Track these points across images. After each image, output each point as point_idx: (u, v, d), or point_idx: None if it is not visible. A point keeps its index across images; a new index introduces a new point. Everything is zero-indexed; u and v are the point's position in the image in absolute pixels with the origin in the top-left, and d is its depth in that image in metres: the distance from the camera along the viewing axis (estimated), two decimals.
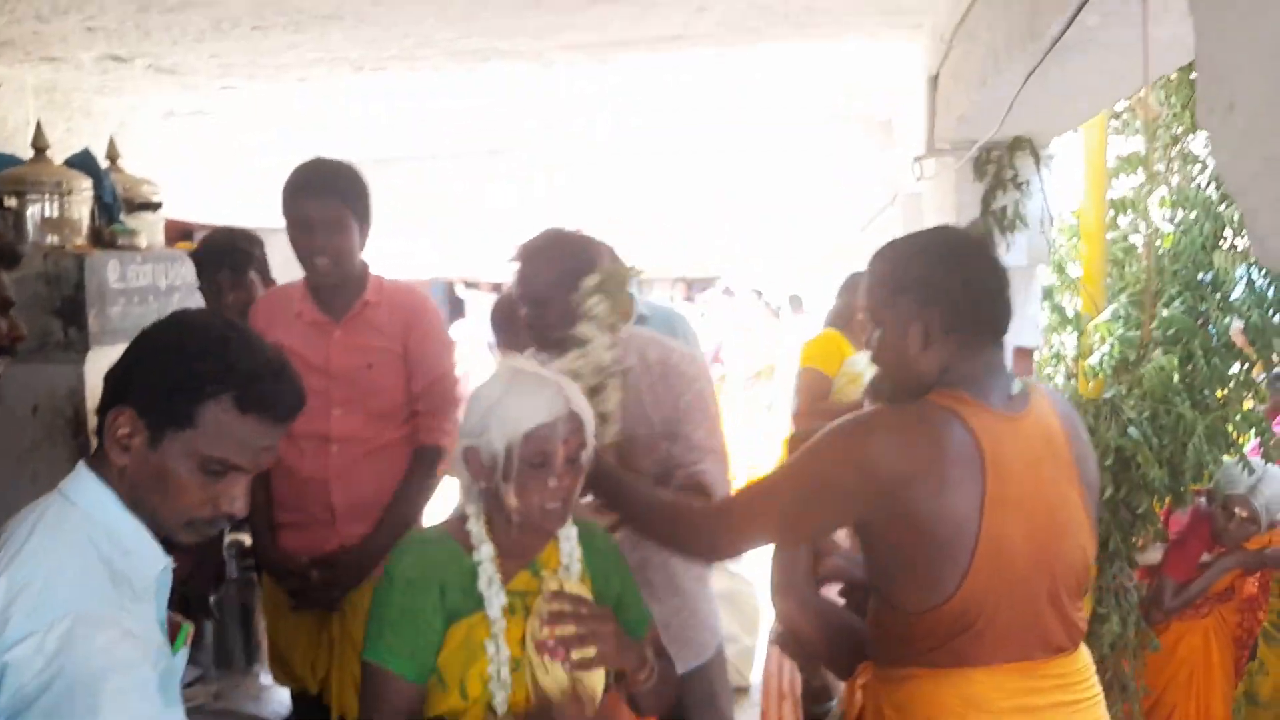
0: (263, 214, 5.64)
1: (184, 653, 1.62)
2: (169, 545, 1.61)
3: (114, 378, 1.53)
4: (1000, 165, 3.31)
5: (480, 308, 13.55)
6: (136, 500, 1.50)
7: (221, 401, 1.47)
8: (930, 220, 4.08)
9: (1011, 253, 3.43)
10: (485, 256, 12.42)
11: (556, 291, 2.39)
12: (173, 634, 1.62)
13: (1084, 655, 1.94)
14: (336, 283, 2.93)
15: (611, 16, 3.46)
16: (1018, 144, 3.23)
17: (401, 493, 3.04)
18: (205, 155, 5.14)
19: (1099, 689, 1.94)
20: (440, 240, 11.39)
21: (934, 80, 3.42)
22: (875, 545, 1.86)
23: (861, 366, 4.22)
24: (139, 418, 1.47)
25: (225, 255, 3.58)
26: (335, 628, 3.02)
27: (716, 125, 5.84)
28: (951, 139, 3.36)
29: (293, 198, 2.84)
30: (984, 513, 1.77)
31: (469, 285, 13.66)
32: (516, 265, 2.49)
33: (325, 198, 2.81)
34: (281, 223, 2.91)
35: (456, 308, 12.81)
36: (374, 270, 3.04)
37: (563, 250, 2.46)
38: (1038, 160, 3.32)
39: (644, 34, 3.71)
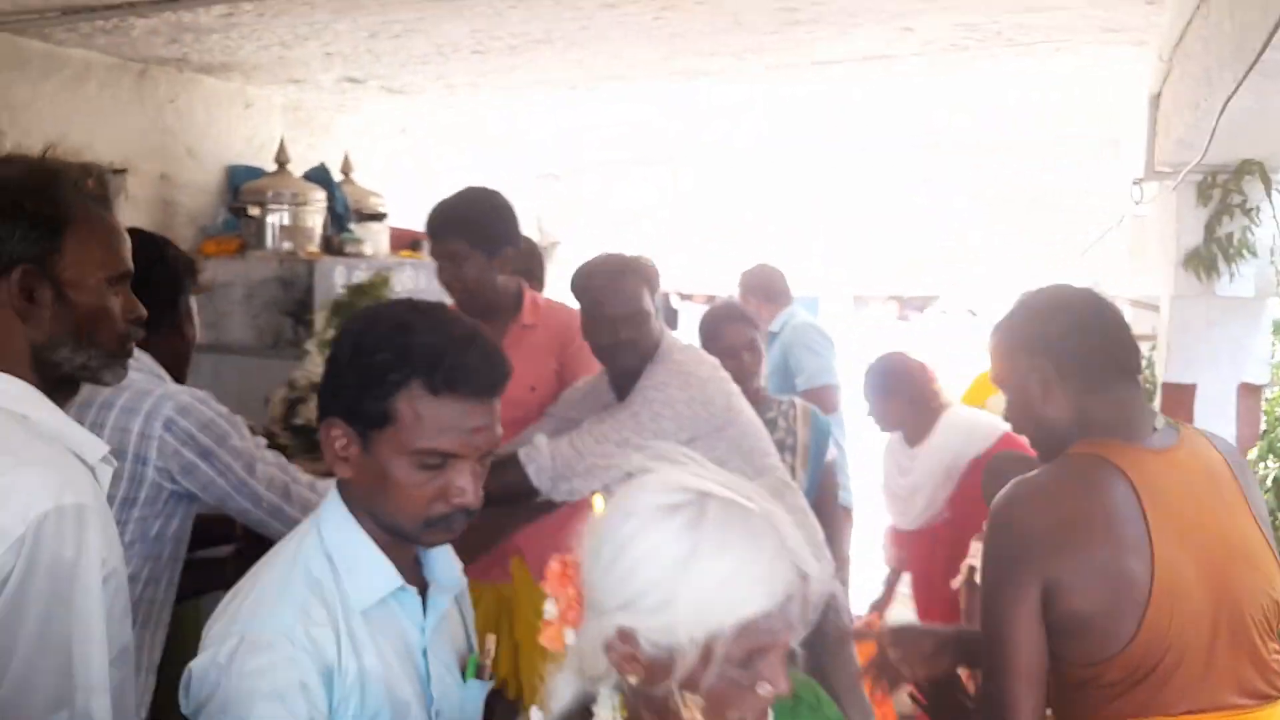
0: None
1: (477, 684, 1.58)
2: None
3: (320, 391, 1.51)
4: (1226, 190, 3.10)
5: (695, 319, 13.79)
6: (372, 511, 1.48)
7: (411, 389, 1.41)
8: (1154, 246, 3.86)
9: (1235, 283, 3.21)
10: (700, 268, 12.57)
11: (636, 307, 2.58)
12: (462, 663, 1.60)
13: None
14: (479, 309, 2.94)
15: (812, 37, 3.46)
16: (1246, 167, 3.02)
17: None
18: (429, 169, 5.45)
19: None
20: (656, 250, 11.57)
21: (1155, 99, 3.24)
22: (1045, 609, 1.77)
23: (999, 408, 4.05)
24: (347, 425, 1.45)
25: None
26: (518, 629, 3.14)
27: (929, 143, 5.71)
28: (1171, 161, 3.17)
29: (427, 237, 3.01)
30: (1153, 551, 1.71)
31: (684, 297, 13.88)
32: (588, 287, 2.63)
33: (442, 236, 2.94)
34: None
35: (671, 319, 13.04)
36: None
37: (633, 269, 2.62)
38: (1268, 185, 3.08)
39: (847, 54, 3.68)
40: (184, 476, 2.18)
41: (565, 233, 6.31)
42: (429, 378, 1.41)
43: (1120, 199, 5.14)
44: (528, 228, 6.34)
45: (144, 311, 1.76)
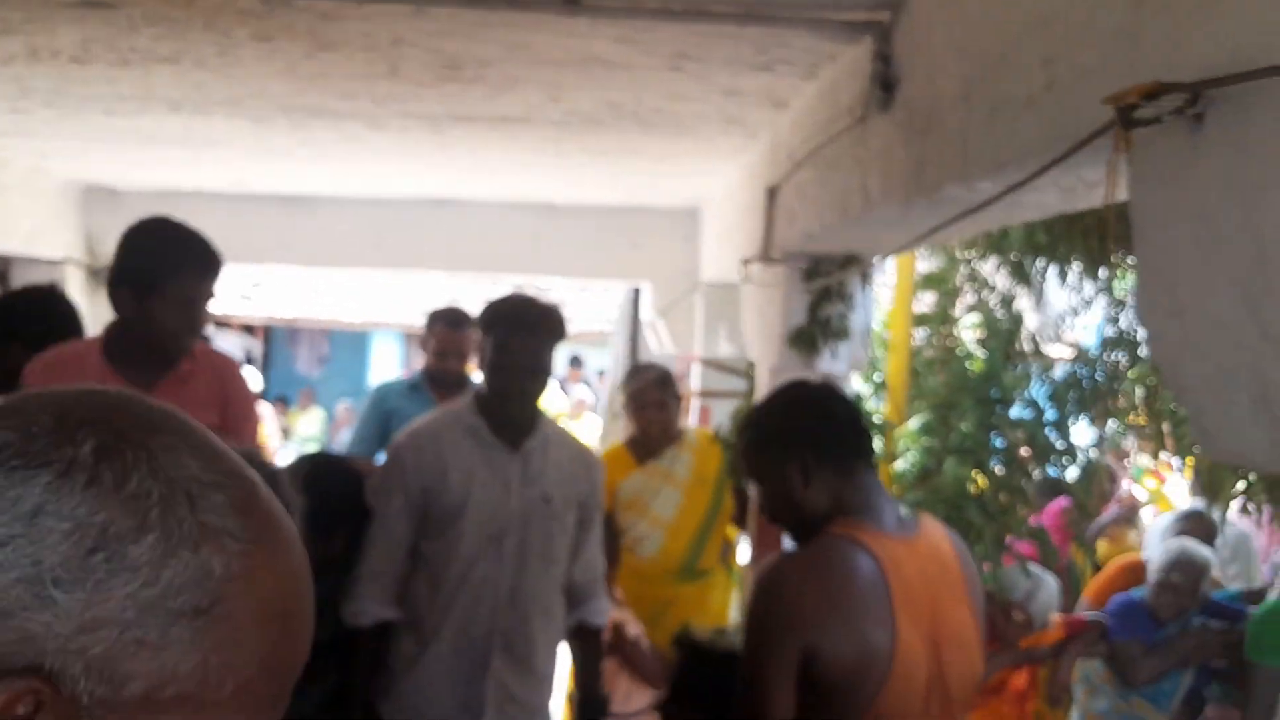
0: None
1: None
2: None
3: None
4: (831, 278, 3.48)
5: (228, 346, 12.97)
6: None
7: None
8: (747, 317, 4.24)
9: (834, 360, 3.61)
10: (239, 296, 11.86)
11: None
12: None
13: None
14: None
15: (464, 93, 3.43)
16: (850, 260, 3.42)
17: None
18: None
19: None
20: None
21: (772, 191, 3.58)
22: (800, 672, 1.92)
23: (635, 490, 4.02)
24: None
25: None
26: None
27: (516, 196, 5.85)
28: (786, 249, 3.51)
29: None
30: (897, 631, 1.91)
31: (219, 324, 13.02)
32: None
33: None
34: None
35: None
36: None
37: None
38: (865, 276, 3.52)
39: (491, 112, 3.69)
40: None
41: None
42: None
43: (699, 266, 5.60)
44: (76, 246, 5.64)
45: None
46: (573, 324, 3.37)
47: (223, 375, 2.82)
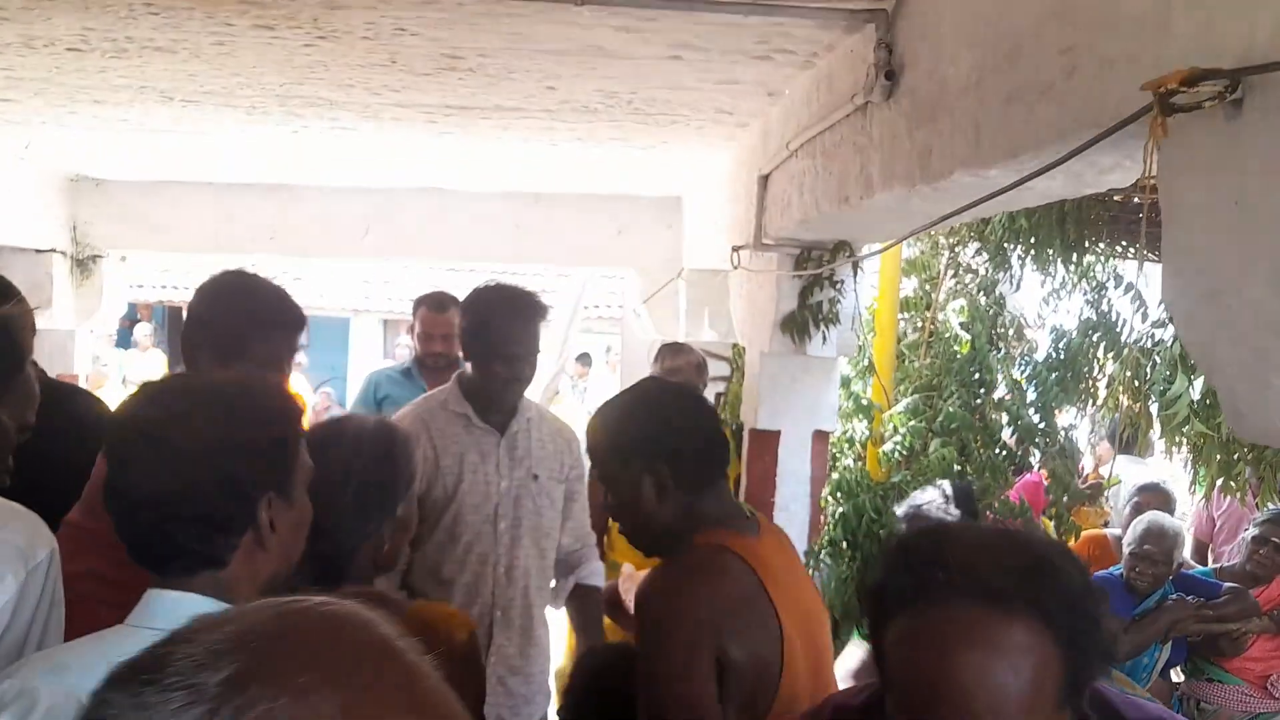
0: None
1: None
2: None
3: None
4: (822, 265, 3.54)
5: None
6: None
7: None
8: (737, 303, 4.30)
9: (824, 345, 3.67)
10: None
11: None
12: None
13: None
14: None
15: (461, 84, 3.44)
16: (841, 248, 3.48)
17: None
18: None
19: None
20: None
21: (764, 180, 3.62)
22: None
23: None
24: None
25: None
26: None
27: (502, 185, 5.86)
28: (778, 235, 3.57)
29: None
30: (783, 636, 1.90)
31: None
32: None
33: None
34: None
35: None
36: None
37: None
38: (856, 264, 3.58)
39: (485, 103, 3.71)
40: None
41: (108, 245, 5.66)
42: None
43: (683, 253, 5.64)
44: (60, 236, 5.60)
45: None
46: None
47: None
